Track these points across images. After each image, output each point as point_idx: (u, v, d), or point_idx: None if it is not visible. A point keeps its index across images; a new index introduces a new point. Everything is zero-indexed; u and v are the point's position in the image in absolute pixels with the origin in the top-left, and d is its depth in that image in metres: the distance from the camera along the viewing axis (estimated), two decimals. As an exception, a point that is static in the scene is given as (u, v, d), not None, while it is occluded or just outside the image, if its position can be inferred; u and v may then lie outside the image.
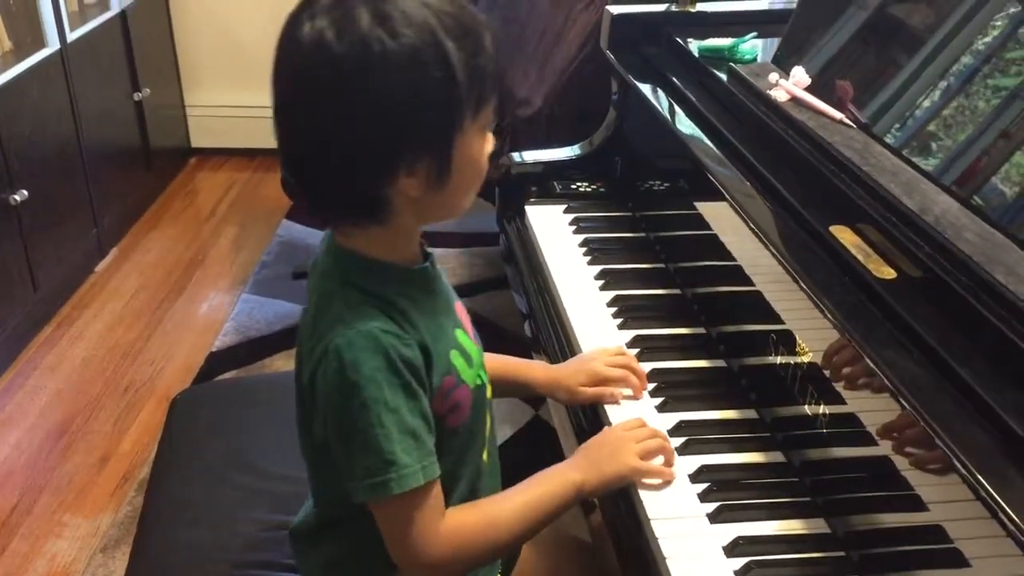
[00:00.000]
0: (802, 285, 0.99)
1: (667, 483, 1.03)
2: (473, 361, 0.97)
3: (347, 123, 0.83)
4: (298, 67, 0.84)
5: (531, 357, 1.63)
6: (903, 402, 0.81)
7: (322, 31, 0.81)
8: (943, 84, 1.07)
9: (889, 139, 1.10)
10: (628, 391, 1.16)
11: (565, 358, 1.28)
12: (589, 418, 1.17)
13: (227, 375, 2.31)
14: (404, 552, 0.92)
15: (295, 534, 1.08)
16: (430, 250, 0.98)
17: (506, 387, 1.17)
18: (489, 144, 0.92)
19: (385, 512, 0.90)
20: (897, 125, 1.10)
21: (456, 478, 0.97)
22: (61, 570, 1.80)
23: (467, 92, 0.84)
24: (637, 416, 1.10)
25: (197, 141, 3.57)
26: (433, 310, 0.94)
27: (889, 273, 0.93)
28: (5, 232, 2.32)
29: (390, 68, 0.81)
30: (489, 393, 1.02)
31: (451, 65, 0.83)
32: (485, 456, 1.03)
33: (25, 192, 2.34)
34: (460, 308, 1.03)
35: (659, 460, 1.04)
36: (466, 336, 0.98)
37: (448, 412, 0.94)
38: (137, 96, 3.07)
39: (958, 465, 0.75)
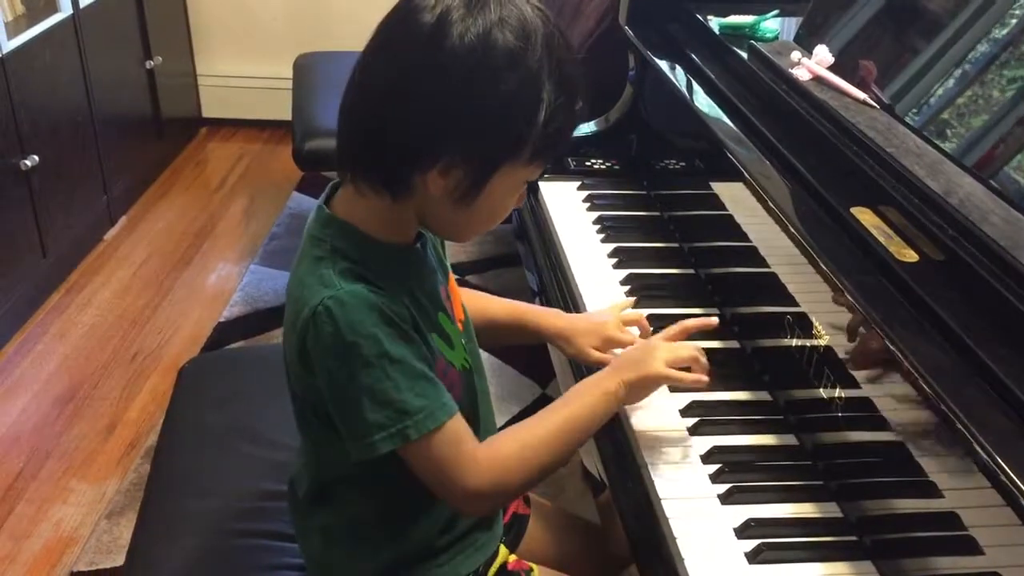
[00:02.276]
0: (822, 266, 0.98)
1: (699, 386, 1.04)
2: (454, 343, 0.97)
3: (424, 86, 0.82)
4: (413, 16, 0.83)
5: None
6: (924, 386, 0.80)
7: (450, 7, 0.81)
8: (970, 67, 1.05)
9: (913, 120, 1.08)
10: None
11: (577, 335, 1.27)
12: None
13: (235, 345, 2.31)
14: (447, 489, 0.92)
15: (293, 501, 1.08)
16: (424, 231, 0.97)
17: (513, 330, 1.17)
18: (518, 199, 0.92)
19: (415, 457, 0.90)
20: (921, 107, 1.08)
21: None
22: (66, 535, 1.81)
23: (537, 137, 0.85)
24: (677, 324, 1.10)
25: (208, 111, 3.55)
26: (416, 291, 0.93)
27: (911, 256, 0.92)
28: (15, 197, 2.31)
29: (491, 66, 0.81)
30: (478, 378, 1.02)
31: (540, 103, 0.83)
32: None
33: (36, 157, 2.33)
34: (449, 290, 1.01)
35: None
36: (447, 319, 0.97)
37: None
38: (149, 64, 3.05)
39: (979, 451, 0.74)
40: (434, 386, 0.89)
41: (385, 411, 0.87)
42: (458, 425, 0.90)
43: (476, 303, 1.14)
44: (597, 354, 1.13)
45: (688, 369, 1.04)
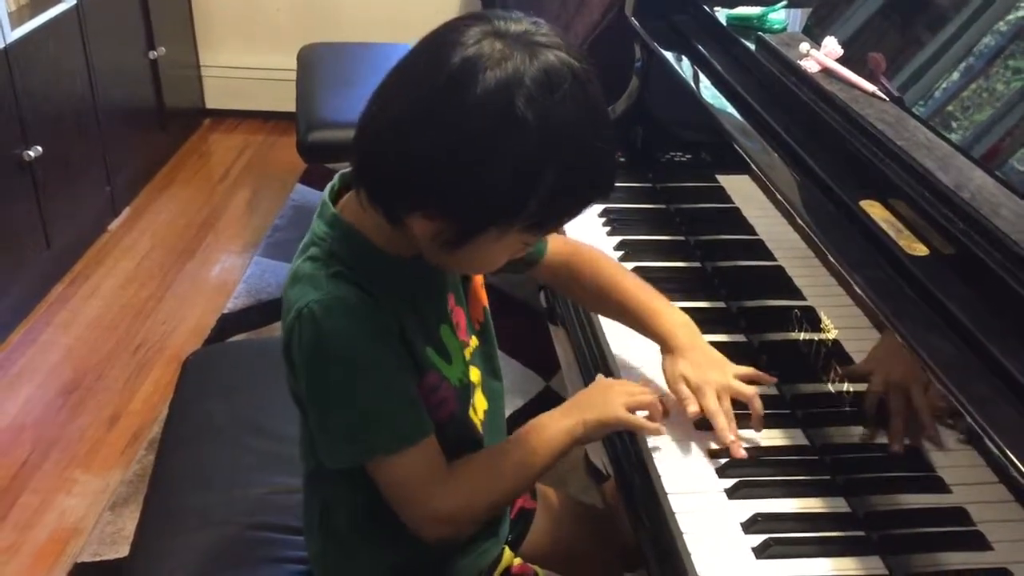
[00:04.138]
0: (831, 260, 0.97)
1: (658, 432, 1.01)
2: (452, 358, 0.95)
3: (417, 131, 0.78)
4: (445, 49, 0.78)
5: (547, 328, 1.60)
6: (936, 381, 0.79)
7: (479, 54, 0.76)
8: (981, 58, 1.04)
9: (923, 113, 1.07)
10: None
11: (583, 328, 1.26)
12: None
13: (238, 337, 2.31)
14: (404, 511, 0.91)
15: (306, 498, 1.07)
16: None
17: (634, 324, 1.11)
18: (520, 250, 0.89)
19: (383, 473, 0.89)
20: (932, 99, 1.08)
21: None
22: (70, 525, 1.81)
23: (528, 214, 0.80)
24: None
25: (212, 102, 3.55)
26: (417, 303, 0.91)
27: (921, 250, 0.91)
28: (19, 188, 2.31)
29: (490, 125, 0.76)
30: (490, 381, 1.01)
31: (532, 189, 0.78)
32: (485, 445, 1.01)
33: (39, 148, 2.32)
34: (472, 290, 1.00)
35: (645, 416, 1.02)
36: (450, 333, 0.95)
37: (435, 407, 0.92)
38: (152, 55, 3.04)
39: (990, 445, 0.73)
40: (409, 404, 0.88)
41: (353, 425, 0.87)
42: (427, 449, 0.89)
43: (612, 280, 1.11)
44: (684, 390, 1.03)
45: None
